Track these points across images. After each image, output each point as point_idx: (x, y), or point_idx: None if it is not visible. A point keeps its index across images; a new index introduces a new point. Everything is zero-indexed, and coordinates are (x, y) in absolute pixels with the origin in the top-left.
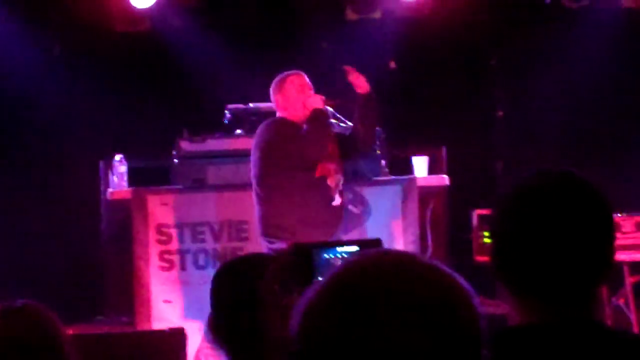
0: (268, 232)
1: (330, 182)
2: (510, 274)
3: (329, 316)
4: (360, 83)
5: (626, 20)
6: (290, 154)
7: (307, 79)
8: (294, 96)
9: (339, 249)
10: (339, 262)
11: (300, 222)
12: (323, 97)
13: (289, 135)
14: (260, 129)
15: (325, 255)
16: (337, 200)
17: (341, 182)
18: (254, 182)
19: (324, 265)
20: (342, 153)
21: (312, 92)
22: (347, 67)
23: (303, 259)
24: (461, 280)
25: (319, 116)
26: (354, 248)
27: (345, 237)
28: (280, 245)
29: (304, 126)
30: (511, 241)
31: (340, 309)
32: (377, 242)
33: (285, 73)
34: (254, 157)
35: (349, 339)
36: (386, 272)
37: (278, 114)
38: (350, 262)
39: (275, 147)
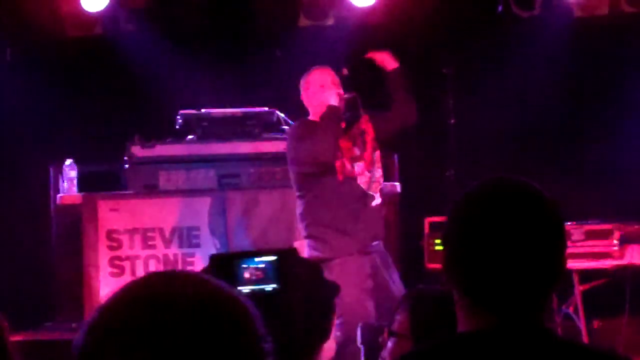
0: (307, 238)
1: (361, 182)
2: (461, 281)
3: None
4: (388, 60)
5: (577, 29)
6: (304, 159)
7: (332, 74)
8: (315, 93)
9: (257, 258)
10: (259, 272)
11: (333, 231)
12: (340, 92)
13: (301, 137)
14: (287, 131)
15: (244, 266)
16: (377, 200)
17: (379, 177)
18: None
19: (243, 275)
20: (381, 138)
21: (333, 87)
22: (371, 52)
23: (222, 270)
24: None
25: (328, 114)
26: (272, 257)
27: (297, 244)
28: (317, 254)
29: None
30: (462, 249)
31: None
32: (293, 251)
33: (311, 68)
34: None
35: None
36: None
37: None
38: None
39: (293, 153)
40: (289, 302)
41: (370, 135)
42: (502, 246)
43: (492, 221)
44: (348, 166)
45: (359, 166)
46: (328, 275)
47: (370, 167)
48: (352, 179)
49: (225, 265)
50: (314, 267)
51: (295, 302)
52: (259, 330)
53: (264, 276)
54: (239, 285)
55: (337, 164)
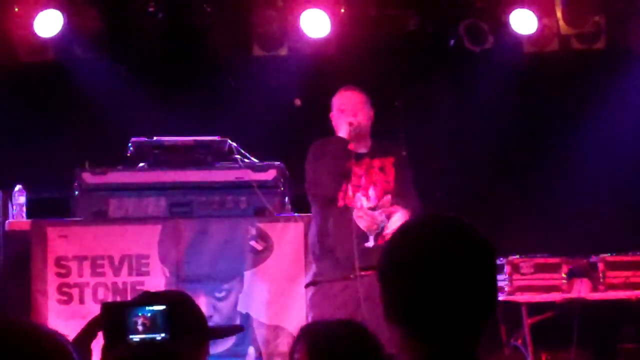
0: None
1: (356, 216)
2: (397, 314)
3: None
4: None
5: (527, 64)
6: (306, 186)
7: (355, 97)
8: (334, 117)
9: (148, 307)
10: (146, 321)
11: (322, 254)
12: (352, 122)
13: (308, 162)
14: None
15: (137, 314)
16: (370, 242)
17: (383, 225)
18: None
19: (134, 323)
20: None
21: (353, 113)
22: None
23: (113, 318)
24: None
25: (334, 148)
26: (161, 307)
27: (248, 274)
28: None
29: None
30: (395, 282)
31: None
32: (185, 299)
33: (340, 88)
34: None
35: None
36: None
37: None
38: None
39: (305, 175)
40: (178, 352)
41: (385, 177)
42: (434, 279)
43: (422, 255)
44: (350, 193)
45: (359, 198)
46: (310, 297)
47: (372, 204)
48: (350, 209)
49: (117, 313)
50: (202, 316)
51: (185, 351)
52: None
53: (155, 325)
54: (131, 334)
55: (342, 187)
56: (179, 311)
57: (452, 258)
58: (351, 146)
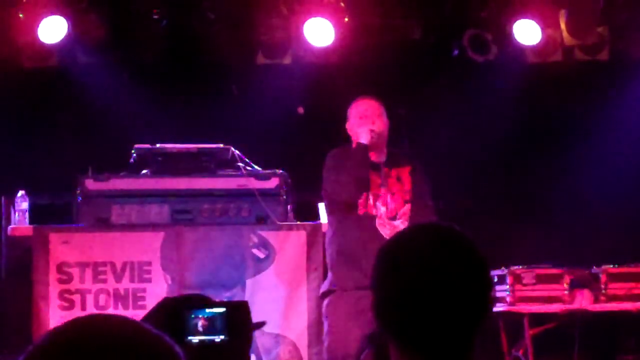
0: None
1: (379, 224)
2: (391, 325)
3: None
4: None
5: (531, 75)
6: (325, 194)
7: (374, 105)
8: (353, 125)
9: (207, 309)
10: (206, 322)
11: (339, 263)
12: (373, 129)
13: (327, 170)
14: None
15: (194, 315)
16: None
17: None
18: None
19: (194, 325)
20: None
21: (372, 120)
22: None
23: (172, 318)
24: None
25: (354, 152)
26: (221, 309)
27: (249, 282)
28: (322, 287)
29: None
30: (389, 293)
31: None
32: (243, 304)
33: (356, 98)
34: None
35: None
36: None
37: None
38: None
39: (322, 184)
40: (236, 353)
41: (403, 187)
42: (424, 291)
43: (414, 267)
44: (371, 202)
45: (379, 207)
46: (326, 305)
47: (390, 214)
48: (371, 216)
49: (176, 314)
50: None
51: (244, 353)
52: None
53: (214, 327)
54: (189, 335)
55: (363, 195)
56: (237, 313)
57: (442, 268)
58: (371, 154)
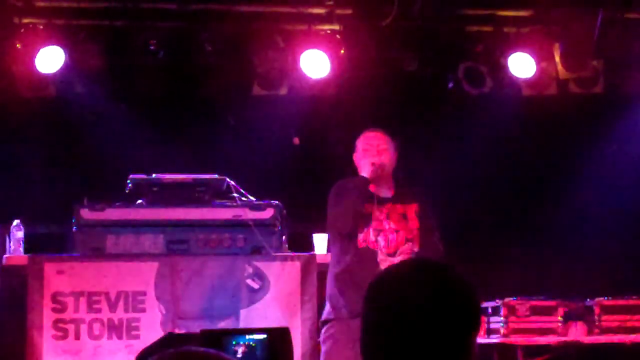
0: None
1: (380, 258)
2: (371, 357)
3: None
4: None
5: (526, 107)
6: (327, 224)
7: (381, 138)
8: (358, 157)
9: (247, 336)
10: (246, 349)
11: (336, 293)
12: (374, 162)
13: (330, 201)
14: None
15: (234, 342)
16: None
17: None
18: None
19: (233, 352)
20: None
21: (377, 153)
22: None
23: (212, 345)
24: None
25: (354, 185)
26: (262, 336)
27: (243, 312)
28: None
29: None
30: (371, 326)
31: None
32: (284, 330)
33: (364, 130)
34: None
35: None
36: None
37: None
38: None
39: (328, 208)
40: None
41: (407, 225)
42: (406, 325)
43: (399, 302)
44: (372, 237)
45: (379, 242)
46: (324, 331)
47: (390, 250)
48: (372, 250)
49: (216, 341)
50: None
51: None
52: None
53: (253, 354)
54: None
55: (363, 229)
56: (278, 340)
57: (424, 306)
58: (372, 187)
